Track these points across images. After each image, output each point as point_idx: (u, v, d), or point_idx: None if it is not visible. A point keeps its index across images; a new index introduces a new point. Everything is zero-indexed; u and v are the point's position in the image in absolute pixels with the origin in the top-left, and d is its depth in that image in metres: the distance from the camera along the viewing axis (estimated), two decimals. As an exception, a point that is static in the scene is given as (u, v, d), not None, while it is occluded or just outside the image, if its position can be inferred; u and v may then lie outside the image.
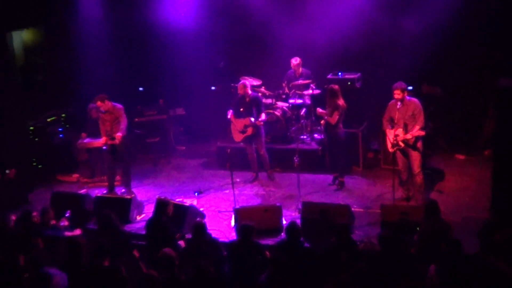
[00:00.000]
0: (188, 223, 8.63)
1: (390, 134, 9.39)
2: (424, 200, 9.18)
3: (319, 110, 10.49)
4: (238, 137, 11.04)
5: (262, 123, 10.79)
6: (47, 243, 7.70)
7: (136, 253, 7.99)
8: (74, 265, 7.00)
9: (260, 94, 11.43)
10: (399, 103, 9.26)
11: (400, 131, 9.26)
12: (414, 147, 9.30)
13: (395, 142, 9.31)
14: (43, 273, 6.56)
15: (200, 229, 7.61)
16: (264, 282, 6.52)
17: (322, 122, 10.49)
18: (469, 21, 11.22)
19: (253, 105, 10.85)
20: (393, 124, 9.33)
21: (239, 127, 10.90)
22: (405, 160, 9.51)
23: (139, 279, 6.65)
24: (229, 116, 10.93)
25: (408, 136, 9.20)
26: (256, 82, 11.97)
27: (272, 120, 11.54)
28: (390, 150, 9.46)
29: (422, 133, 9.18)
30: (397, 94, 9.24)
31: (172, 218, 8.45)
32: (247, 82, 10.95)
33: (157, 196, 8.75)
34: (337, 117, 10.12)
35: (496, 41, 11.11)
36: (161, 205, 8.30)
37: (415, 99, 9.35)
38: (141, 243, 8.45)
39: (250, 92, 10.86)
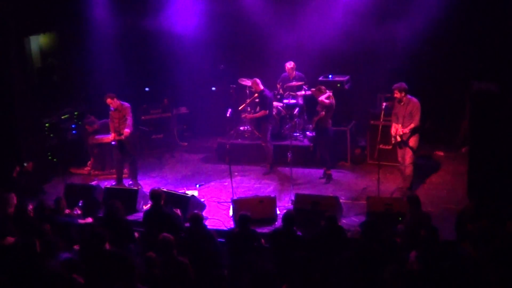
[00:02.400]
0: (190, 212, 8.63)
1: (393, 128, 9.54)
2: (407, 190, 9.39)
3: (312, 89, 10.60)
4: None
5: (245, 117, 11.14)
6: (60, 229, 7.77)
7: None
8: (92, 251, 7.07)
9: (270, 93, 11.19)
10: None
11: (399, 126, 9.43)
12: (407, 143, 9.44)
13: (394, 135, 9.48)
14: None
15: (197, 220, 7.58)
16: (261, 267, 6.56)
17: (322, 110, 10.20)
18: (446, 28, 11.34)
19: (259, 101, 10.93)
20: (397, 119, 9.50)
21: None
22: (402, 154, 9.63)
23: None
24: (228, 115, 10.99)
25: (403, 131, 9.35)
26: (252, 84, 12.06)
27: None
28: (392, 142, 9.66)
29: (411, 127, 9.24)
30: (396, 93, 9.39)
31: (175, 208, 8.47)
32: (257, 80, 10.95)
33: (150, 189, 8.68)
34: (329, 102, 10.07)
35: (472, 46, 11.24)
36: (156, 196, 8.13)
37: (414, 99, 9.41)
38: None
39: (260, 88, 10.91)
